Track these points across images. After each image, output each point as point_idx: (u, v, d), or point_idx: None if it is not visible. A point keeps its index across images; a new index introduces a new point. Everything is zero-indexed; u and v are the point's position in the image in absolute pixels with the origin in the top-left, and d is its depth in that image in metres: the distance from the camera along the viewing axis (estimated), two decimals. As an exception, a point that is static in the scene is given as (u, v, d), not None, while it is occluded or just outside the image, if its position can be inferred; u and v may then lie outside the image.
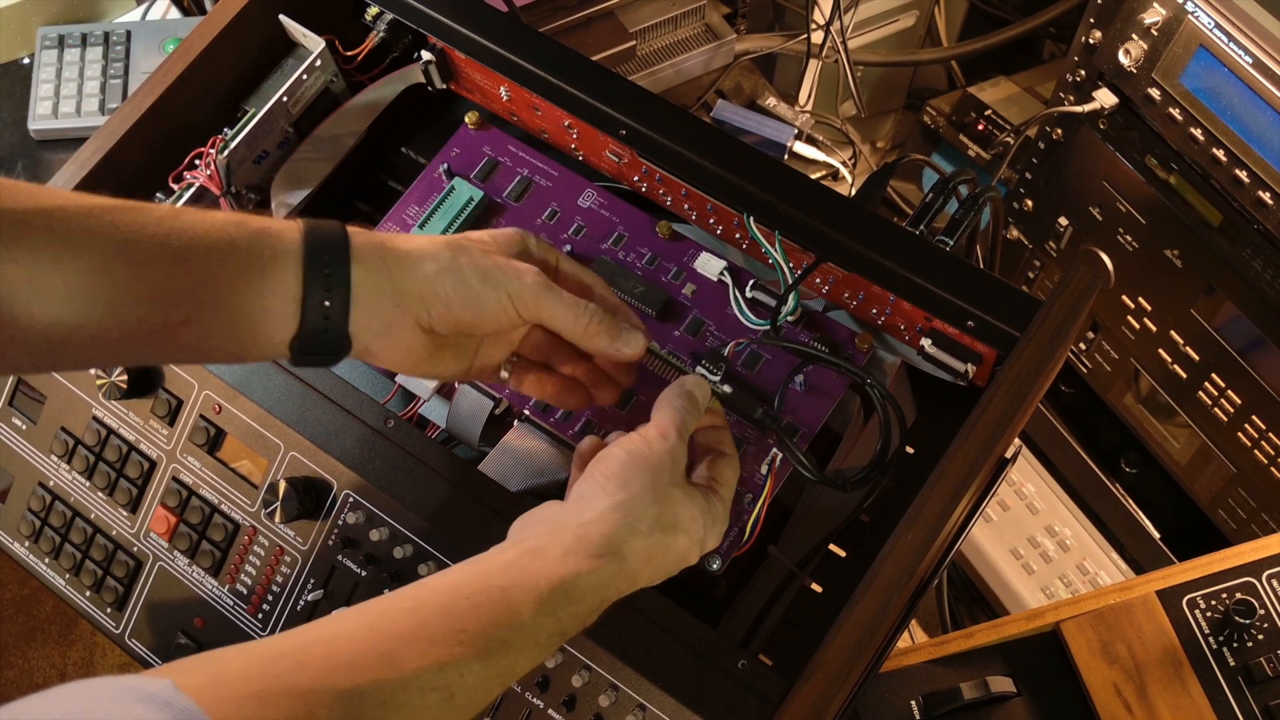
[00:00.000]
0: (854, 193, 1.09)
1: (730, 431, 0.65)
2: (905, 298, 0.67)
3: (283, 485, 0.66)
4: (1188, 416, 1.04)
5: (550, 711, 0.61)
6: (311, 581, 0.67)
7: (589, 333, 0.62)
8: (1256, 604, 0.70)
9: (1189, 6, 0.84)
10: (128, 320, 0.52)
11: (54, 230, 0.50)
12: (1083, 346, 1.12)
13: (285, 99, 0.77)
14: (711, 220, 0.75)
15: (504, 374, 0.65)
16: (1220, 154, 0.86)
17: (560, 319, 0.61)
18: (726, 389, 0.67)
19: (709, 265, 0.73)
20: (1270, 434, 0.95)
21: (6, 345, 0.50)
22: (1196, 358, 0.99)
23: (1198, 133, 0.88)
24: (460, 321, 0.59)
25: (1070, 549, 1.15)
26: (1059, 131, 1.02)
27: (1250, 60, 0.81)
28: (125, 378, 0.70)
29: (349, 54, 0.80)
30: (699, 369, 0.67)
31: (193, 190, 0.74)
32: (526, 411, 0.70)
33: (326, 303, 0.55)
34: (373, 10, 0.81)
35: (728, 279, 0.73)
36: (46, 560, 0.75)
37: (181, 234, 0.53)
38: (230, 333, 0.54)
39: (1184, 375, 1.01)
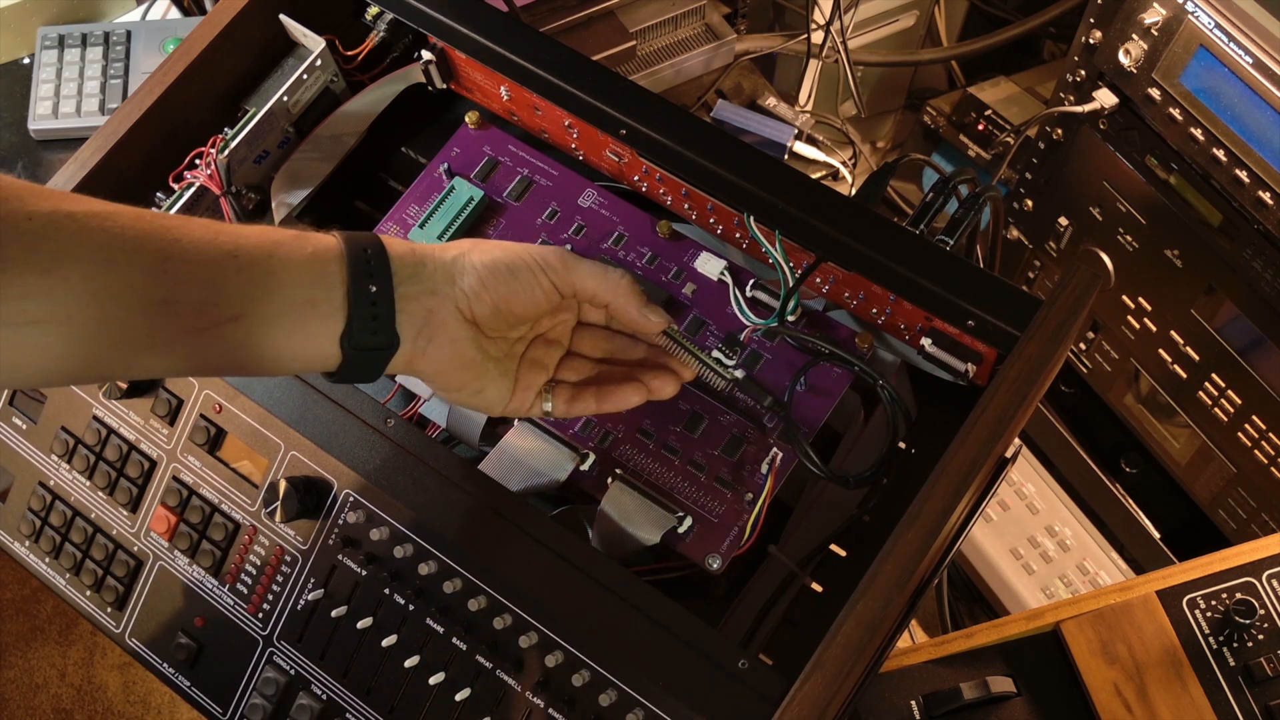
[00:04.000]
0: (854, 193, 1.09)
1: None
2: (905, 297, 0.67)
3: (283, 485, 0.66)
4: (1188, 416, 1.04)
5: (550, 711, 0.61)
6: (312, 581, 0.67)
7: (619, 290, 0.63)
8: (1256, 604, 0.70)
9: (1189, 6, 0.84)
10: (183, 318, 0.52)
11: (109, 230, 0.51)
12: (1083, 346, 1.12)
13: (285, 99, 0.77)
14: (712, 220, 0.75)
15: (547, 406, 0.65)
16: (1220, 154, 0.86)
17: (592, 277, 0.62)
18: (739, 374, 0.67)
19: (709, 265, 0.74)
20: (1270, 434, 0.95)
21: (65, 347, 0.50)
22: (1196, 358, 0.99)
23: (1198, 133, 0.88)
24: (497, 298, 0.60)
25: (1070, 549, 1.15)
26: (1059, 131, 1.02)
27: (1250, 60, 0.81)
28: (125, 377, 0.70)
29: (349, 54, 0.80)
30: (715, 353, 0.67)
31: (193, 190, 0.74)
32: (526, 411, 0.70)
33: (373, 288, 0.56)
34: (373, 10, 0.81)
35: (728, 278, 0.73)
36: (46, 560, 0.75)
37: (227, 233, 0.54)
38: (281, 328, 0.55)
39: (1184, 375, 1.01)
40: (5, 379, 0.51)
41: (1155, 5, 0.86)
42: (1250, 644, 0.71)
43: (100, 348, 0.51)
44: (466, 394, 0.62)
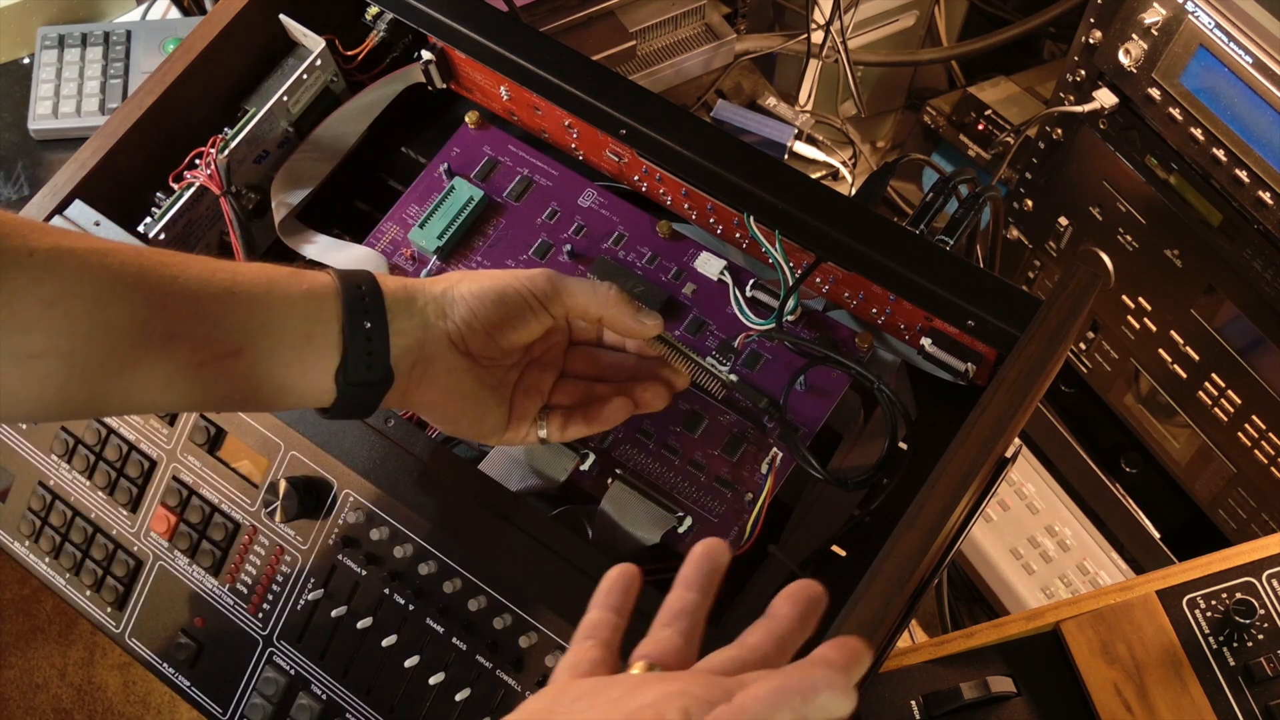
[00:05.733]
0: (854, 192, 1.09)
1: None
2: (905, 297, 0.67)
3: (283, 485, 0.66)
4: (1188, 416, 1.04)
5: (550, 711, 0.61)
6: (312, 581, 0.67)
7: (610, 302, 0.62)
8: (1256, 604, 0.70)
9: (1189, 6, 0.84)
10: (181, 352, 0.53)
11: (109, 266, 0.51)
12: (1083, 346, 1.12)
13: (285, 99, 0.77)
14: (711, 220, 0.75)
15: (542, 432, 0.65)
16: (1220, 154, 0.86)
17: (581, 294, 0.62)
18: (733, 378, 0.67)
19: (709, 265, 0.74)
20: (1270, 434, 0.95)
21: (65, 380, 0.51)
22: (1196, 358, 0.99)
23: (1198, 133, 0.87)
24: (489, 327, 0.60)
25: (1070, 549, 1.15)
26: (1059, 131, 1.02)
27: (1250, 60, 0.81)
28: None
29: (349, 54, 0.80)
30: (709, 360, 0.68)
31: (193, 190, 0.74)
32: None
33: (368, 324, 0.57)
34: (373, 10, 0.81)
35: (728, 278, 0.73)
36: (46, 560, 0.75)
37: (223, 270, 0.55)
38: (278, 363, 0.55)
39: (1184, 375, 1.01)
40: (6, 411, 0.52)
41: (1155, 5, 0.86)
42: (1250, 644, 0.71)
43: (101, 381, 0.52)
44: (464, 425, 0.63)
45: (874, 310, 0.72)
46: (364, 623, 0.65)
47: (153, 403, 0.56)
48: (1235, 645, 0.71)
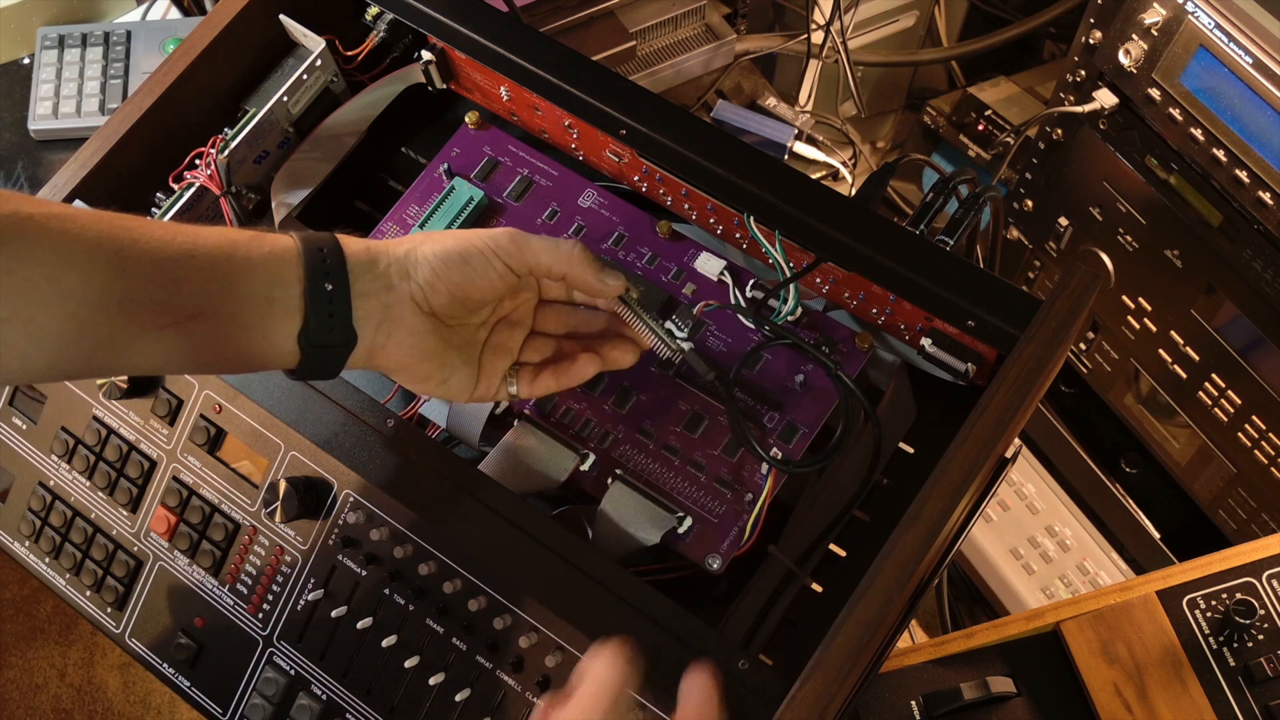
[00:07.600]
0: (854, 193, 1.09)
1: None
2: (905, 297, 0.67)
3: (283, 485, 0.66)
4: (1188, 416, 1.04)
5: (550, 711, 0.61)
6: (312, 581, 0.67)
7: (573, 259, 0.62)
8: (1256, 604, 0.70)
9: (1189, 6, 0.84)
10: (140, 316, 0.53)
11: (69, 232, 0.52)
12: (1083, 346, 1.12)
13: (285, 99, 0.77)
14: (711, 220, 0.75)
15: (512, 388, 0.65)
16: (1220, 154, 0.86)
17: (545, 251, 0.62)
18: (688, 346, 0.67)
19: (709, 265, 0.74)
20: (1270, 434, 0.95)
21: (26, 347, 0.51)
22: (1196, 358, 0.99)
23: (1198, 133, 0.88)
24: (452, 287, 0.60)
25: (1070, 549, 1.15)
26: (1059, 131, 1.02)
27: (1250, 60, 0.81)
28: (125, 377, 0.70)
29: (349, 54, 0.80)
30: (668, 324, 0.68)
31: (193, 190, 0.74)
32: (526, 411, 0.70)
33: (329, 286, 0.57)
34: (373, 10, 0.81)
35: (728, 278, 0.73)
36: (46, 560, 0.75)
37: (184, 233, 0.55)
38: (240, 326, 0.55)
39: (1184, 375, 1.01)
40: None
41: (1155, 5, 0.86)
42: (1250, 644, 0.71)
43: (63, 346, 0.52)
44: (432, 384, 0.63)
45: (874, 310, 0.72)
46: (364, 623, 0.65)
47: (117, 366, 0.56)
48: (1235, 645, 0.71)
